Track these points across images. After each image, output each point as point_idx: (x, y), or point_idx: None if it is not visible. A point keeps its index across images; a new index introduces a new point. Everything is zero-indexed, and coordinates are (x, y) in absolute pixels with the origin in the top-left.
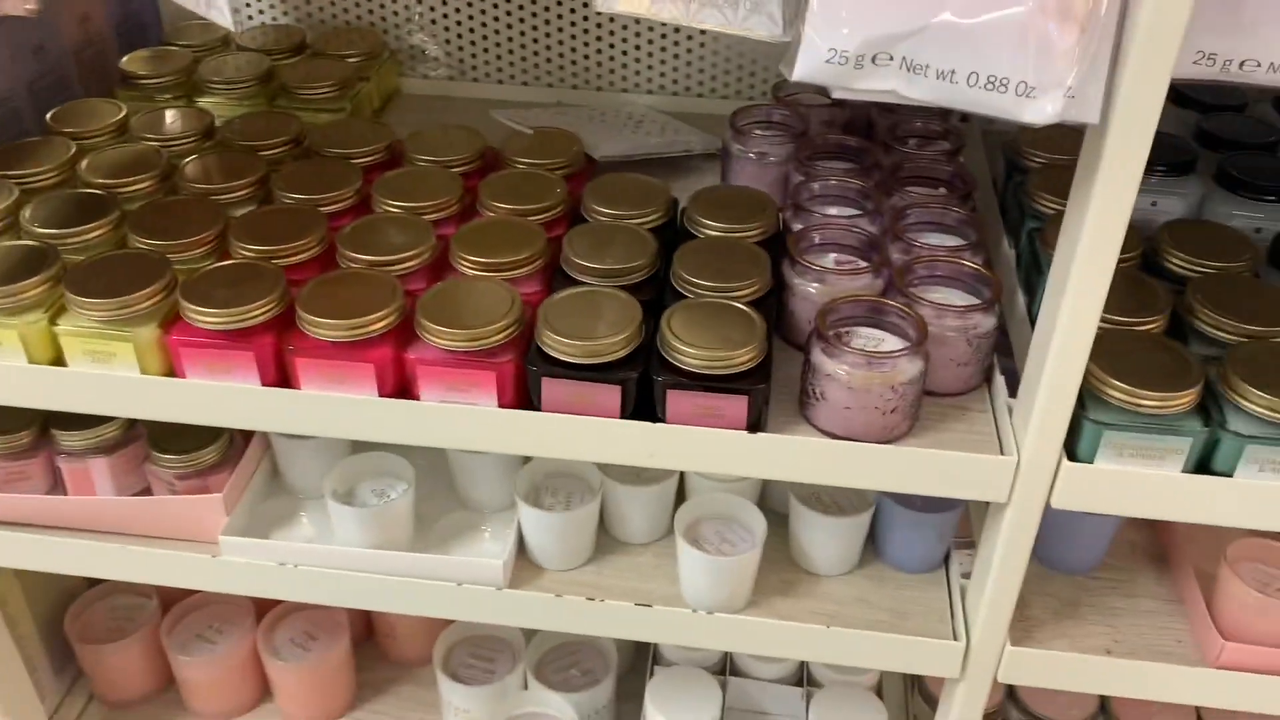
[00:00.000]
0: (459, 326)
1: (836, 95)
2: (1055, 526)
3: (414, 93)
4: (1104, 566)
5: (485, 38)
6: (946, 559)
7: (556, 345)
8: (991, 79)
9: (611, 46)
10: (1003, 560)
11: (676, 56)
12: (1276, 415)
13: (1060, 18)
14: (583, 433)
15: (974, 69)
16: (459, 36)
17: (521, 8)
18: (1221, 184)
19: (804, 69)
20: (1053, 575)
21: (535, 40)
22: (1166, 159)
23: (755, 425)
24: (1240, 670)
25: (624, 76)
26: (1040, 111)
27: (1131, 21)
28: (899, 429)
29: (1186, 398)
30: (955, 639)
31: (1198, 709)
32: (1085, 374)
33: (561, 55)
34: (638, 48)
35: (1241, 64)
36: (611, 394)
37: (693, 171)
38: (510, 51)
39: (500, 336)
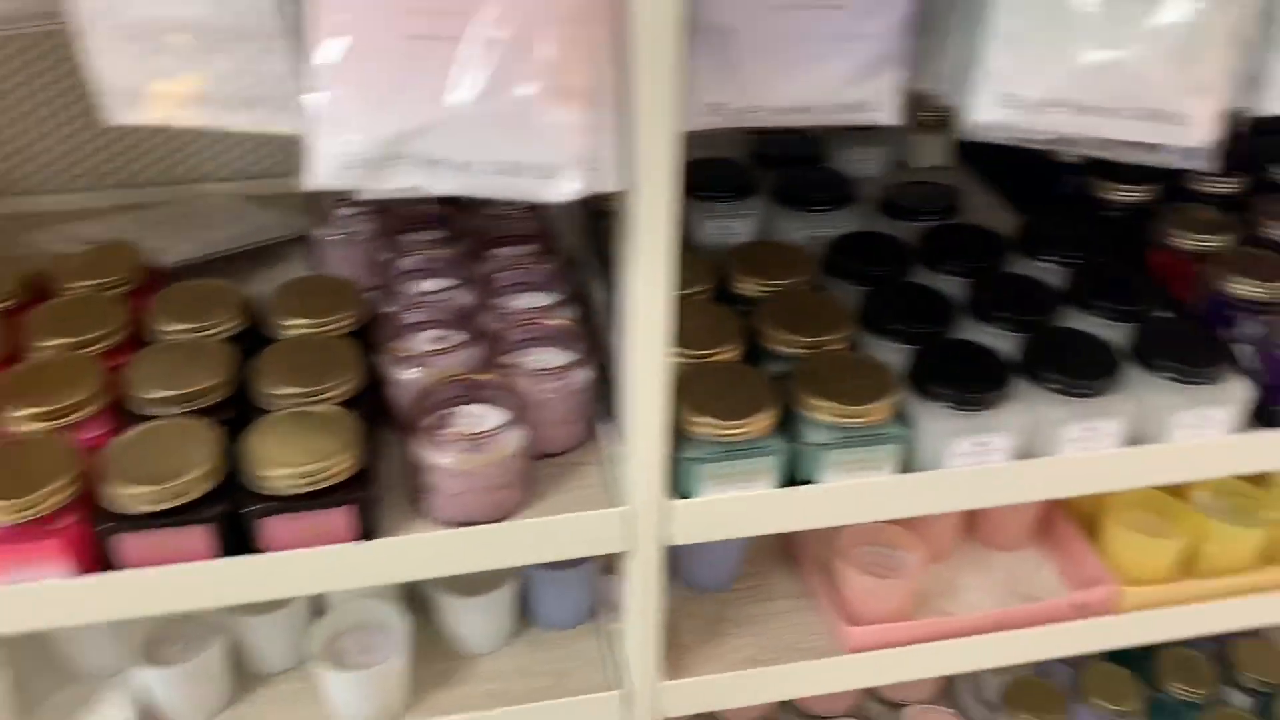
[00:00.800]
0: (7, 496)
1: (365, 196)
2: (688, 553)
3: None
4: (743, 575)
5: (30, 144)
6: (596, 608)
7: (127, 496)
8: (506, 165)
9: (175, 136)
10: (639, 603)
11: (244, 140)
12: (843, 420)
13: (561, 97)
14: (171, 584)
15: (487, 157)
16: None
17: (66, 108)
18: (780, 201)
19: (324, 176)
20: (699, 595)
21: (88, 140)
22: (728, 184)
23: (370, 532)
24: (870, 649)
25: (195, 166)
26: (559, 190)
27: (634, 90)
28: (513, 500)
29: (764, 420)
30: (618, 687)
31: None
32: (676, 413)
33: (120, 153)
34: (202, 134)
35: (744, 111)
36: (198, 536)
37: (282, 260)
38: (60, 156)
39: (58, 498)
